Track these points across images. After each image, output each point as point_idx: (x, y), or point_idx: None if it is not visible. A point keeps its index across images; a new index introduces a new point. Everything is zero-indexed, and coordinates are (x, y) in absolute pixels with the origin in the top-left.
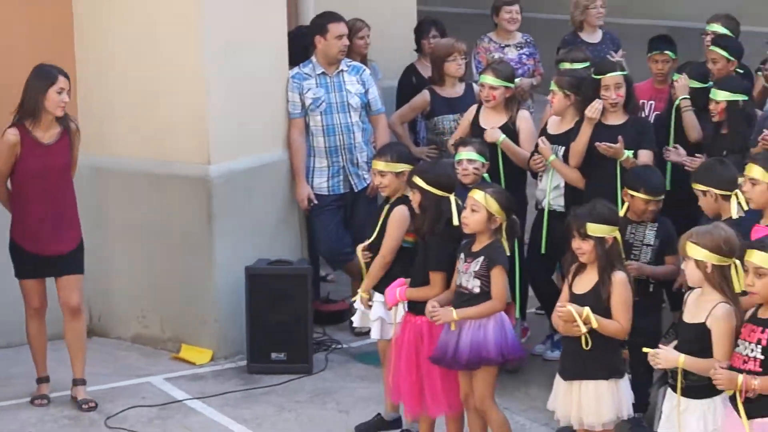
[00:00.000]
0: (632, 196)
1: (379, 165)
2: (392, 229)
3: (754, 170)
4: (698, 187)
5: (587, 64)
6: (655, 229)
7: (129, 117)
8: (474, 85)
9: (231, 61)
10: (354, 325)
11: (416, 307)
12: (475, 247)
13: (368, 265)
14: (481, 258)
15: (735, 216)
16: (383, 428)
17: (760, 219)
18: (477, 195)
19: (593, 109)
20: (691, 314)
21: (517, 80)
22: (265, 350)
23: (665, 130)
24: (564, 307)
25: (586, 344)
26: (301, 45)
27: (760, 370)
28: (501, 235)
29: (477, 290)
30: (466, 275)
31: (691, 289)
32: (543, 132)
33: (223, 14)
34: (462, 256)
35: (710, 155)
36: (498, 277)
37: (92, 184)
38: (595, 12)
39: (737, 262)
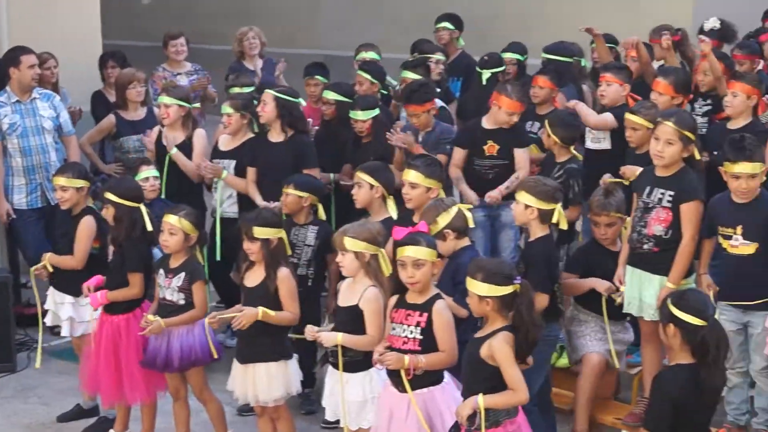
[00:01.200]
0: (298, 196)
1: (61, 181)
2: (80, 239)
3: (411, 175)
4: (366, 179)
5: (253, 87)
6: (316, 231)
7: None
8: (154, 108)
9: None
10: (48, 325)
11: (112, 307)
12: (174, 263)
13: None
14: (183, 274)
15: (395, 216)
16: (83, 416)
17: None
18: (172, 219)
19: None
20: (345, 299)
21: (196, 104)
22: None
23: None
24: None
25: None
26: None
27: (420, 348)
28: (195, 250)
29: (182, 302)
30: (170, 290)
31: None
32: (215, 150)
33: None
34: (161, 272)
35: (356, 162)
36: (199, 291)
37: None
38: (248, 44)
39: (382, 251)
